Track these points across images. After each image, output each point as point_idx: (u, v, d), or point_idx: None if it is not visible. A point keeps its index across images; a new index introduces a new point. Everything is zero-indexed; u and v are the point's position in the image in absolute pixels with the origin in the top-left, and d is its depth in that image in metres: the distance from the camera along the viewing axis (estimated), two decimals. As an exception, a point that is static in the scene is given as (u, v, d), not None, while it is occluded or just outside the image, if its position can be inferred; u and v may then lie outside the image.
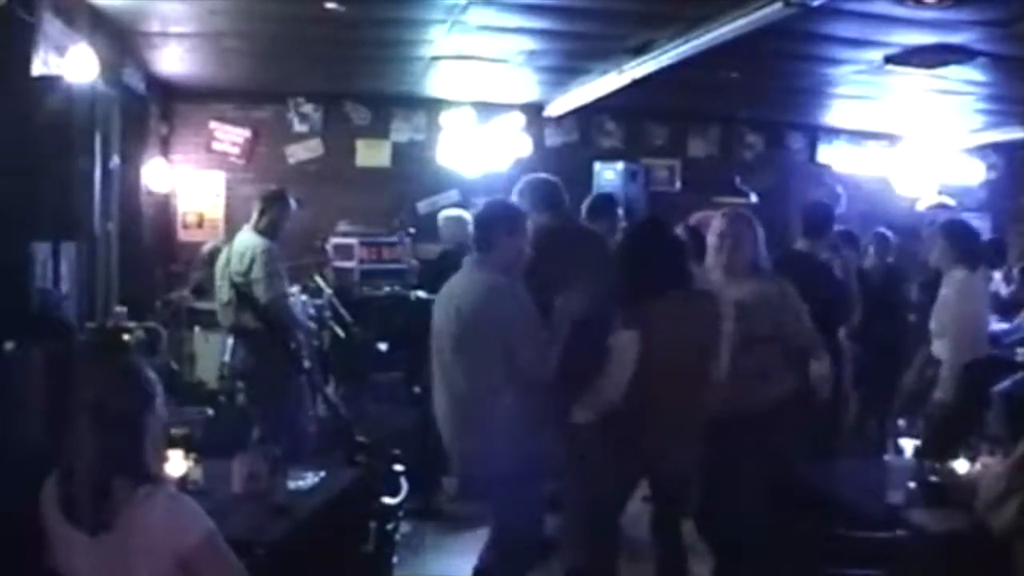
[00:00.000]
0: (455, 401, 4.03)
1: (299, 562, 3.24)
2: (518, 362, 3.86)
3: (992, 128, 9.82)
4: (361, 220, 9.25)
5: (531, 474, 3.98)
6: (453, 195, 9.46)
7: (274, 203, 5.95)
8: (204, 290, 7.35)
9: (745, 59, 6.89)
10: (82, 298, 5.91)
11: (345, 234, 9.11)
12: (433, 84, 8.75)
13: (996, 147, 10.71)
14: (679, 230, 4.89)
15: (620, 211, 6.03)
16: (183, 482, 3.32)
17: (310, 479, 3.72)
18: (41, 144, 4.61)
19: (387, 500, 4.29)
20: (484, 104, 9.37)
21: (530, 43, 6.91)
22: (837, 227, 6.12)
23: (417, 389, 6.22)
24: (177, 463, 3.41)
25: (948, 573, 3.34)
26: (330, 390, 6.67)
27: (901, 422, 4.22)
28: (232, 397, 6.49)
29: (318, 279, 7.43)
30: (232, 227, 7.87)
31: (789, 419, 4.31)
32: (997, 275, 7.81)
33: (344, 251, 8.92)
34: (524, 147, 9.50)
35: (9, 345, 4.11)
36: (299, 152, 9.56)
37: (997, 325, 6.66)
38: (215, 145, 9.37)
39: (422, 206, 9.46)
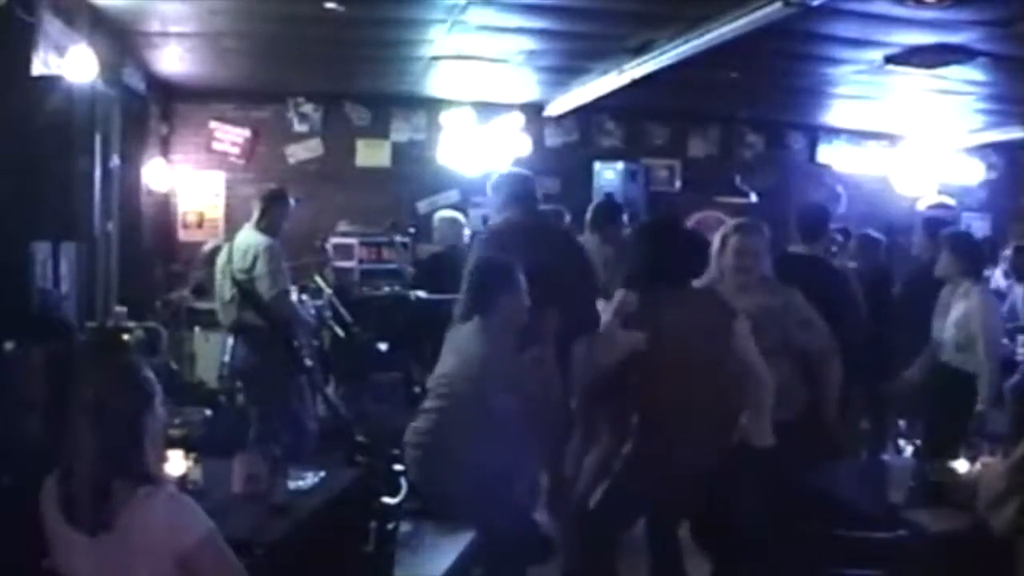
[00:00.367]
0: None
1: (299, 562, 3.24)
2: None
3: (992, 128, 9.82)
4: (361, 220, 9.26)
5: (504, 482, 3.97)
6: (453, 195, 9.46)
7: (274, 202, 5.97)
8: (204, 290, 7.35)
9: (745, 59, 6.89)
10: (82, 298, 5.91)
11: (345, 234, 9.13)
12: (433, 84, 8.76)
13: (996, 147, 10.72)
14: None
15: (625, 216, 6.10)
16: (183, 482, 3.32)
17: (310, 479, 3.72)
18: (41, 144, 4.61)
19: (387, 500, 4.28)
20: (484, 104, 9.37)
21: (530, 43, 6.91)
22: (834, 226, 6.11)
23: (417, 389, 6.21)
24: (177, 463, 3.41)
25: (948, 573, 3.34)
26: (330, 390, 6.67)
27: (901, 423, 4.21)
28: (232, 397, 6.49)
29: (318, 279, 7.43)
30: (232, 227, 7.87)
31: (802, 437, 4.15)
32: (997, 272, 7.82)
33: (344, 251, 8.94)
34: (524, 147, 9.51)
35: (9, 345, 4.11)
36: (299, 152, 9.57)
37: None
38: (215, 145, 9.38)
39: (422, 206, 9.47)
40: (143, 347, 5.86)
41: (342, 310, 7.27)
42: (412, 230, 8.79)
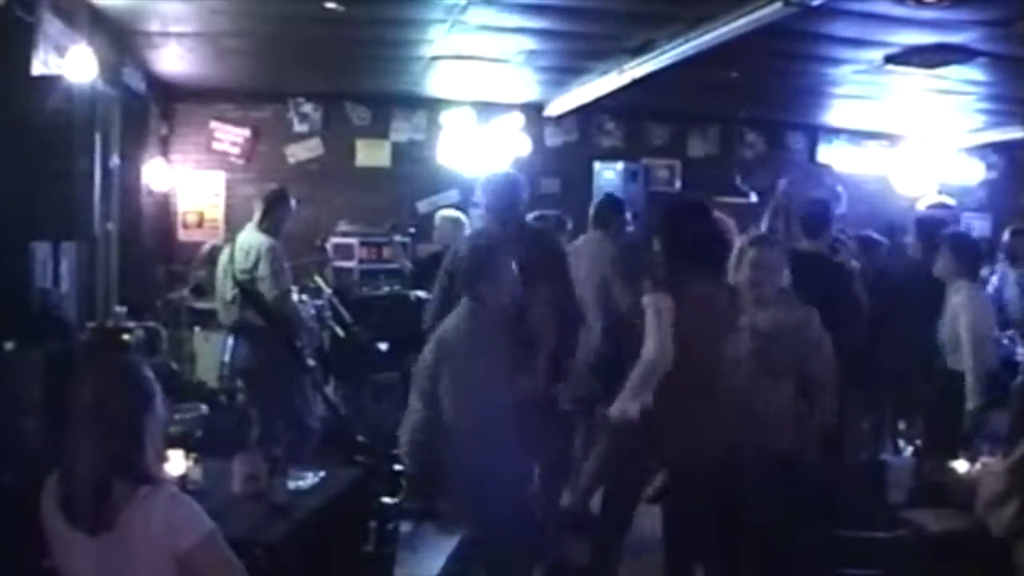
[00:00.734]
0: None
1: (299, 562, 3.24)
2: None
3: (992, 128, 9.82)
4: (361, 220, 9.26)
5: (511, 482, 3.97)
6: (453, 195, 9.46)
7: (276, 202, 5.98)
8: (204, 290, 7.35)
9: (745, 59, 6.89)
10: (82, 298, 5.91)
11: (345, 234, 9.12)
12: (433, 84, 8.75)
13: (996, 147, 10.72)
14: None
15: (628, 215, 6.10)
16: (183, 482, 3.32)
17: (310, 479, 3.72)
18: (41, 144, 4.61)
19: (387, 500, 4.28)
20: (484, 104, 9.37)
21: (530, 43, 6.91)
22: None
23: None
24: (177, 463, 3.41)
25: (948, 573, 3.35)
26: (330, 390, 6.67)
27: (901, 424, 4.21)
28: (232, 397, 6.49)
29: (318, 279, 7.43)
30: (232, 227, 7.86)
31: (812, 461, 4.09)
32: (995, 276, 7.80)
33: (344, 251, 8.93)
34: (524, 147, 9.50)
35: (9, 345, 4.11)
36: (299, 152, 9.56)
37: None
38: (215, 145, 9.37)
39: (422, 206, 9.47)
40: (143, 347, 5.86)
41: (342, 310, 7.27)
42: (412, 230, 8.78)
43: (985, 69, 6.96)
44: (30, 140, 4.56)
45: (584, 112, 9.54)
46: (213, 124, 9.36)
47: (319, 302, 7.21)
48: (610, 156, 9.83)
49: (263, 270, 5.72)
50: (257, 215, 5.95)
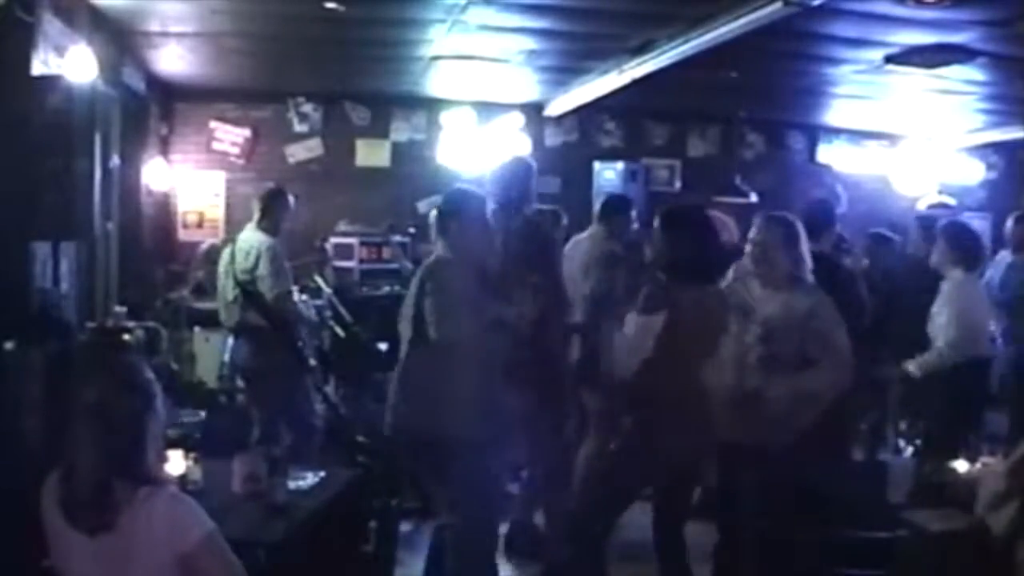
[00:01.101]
0: None
1: (299, 562, 3.24)
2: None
3: (992, 128, 9.82)
4: (361, 220, 9.25)
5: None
6: (453, 195, 9.44)
7: (274, 201, 5.98)
8: (204, 290, 7.35)
9: (745, 59, 6.89)
10: (82, 298, 5.91)
11: (345, 234, 9.11)
12: (433, 84, 8.75)
13: (996, 147, 10.71)
14: None
15: (633, 213, 6.13)
16: (183, 482, 3.32)
17: (310, 479, 3.72)
18: (41, 144, 4.61)
19: (387, 500, 4.28)
20: (484, 104, 9.37)
21: (530, 43, 6.91)
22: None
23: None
24: (177, 463, 3.41)
25: (948, 573, 3.34)
26: (330, 390, 6.67)
27: (902, 424, 4.20)
28: (232, 397, 6.49)
29: (318, 279, 7.42)
30: (232, 226, 7.86)
31: (817, 451, 4.05)
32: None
33: (344, 251, 8.91)
34: (524, 147, 9.49)
35: (9, 345, 4.12)
36: (299, 152, 9.56)
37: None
38: (215, 145, 9.37)
39: (422, 206, 9.45)
40: (143, 347, 5.86)
41: (342, 310, 7.27)
42: (412, 230, 8.78)
43: (985, 69, 6.96)
44: (30, 140, 4.56)
45: (584, 112, 9.54)
46: (213, 124, 9.36)
47: (319, 302, 7.21)
48: (610, 156, 9.84)
49: (263, 269, 5.72)
50: (256, 215, 5.95)
